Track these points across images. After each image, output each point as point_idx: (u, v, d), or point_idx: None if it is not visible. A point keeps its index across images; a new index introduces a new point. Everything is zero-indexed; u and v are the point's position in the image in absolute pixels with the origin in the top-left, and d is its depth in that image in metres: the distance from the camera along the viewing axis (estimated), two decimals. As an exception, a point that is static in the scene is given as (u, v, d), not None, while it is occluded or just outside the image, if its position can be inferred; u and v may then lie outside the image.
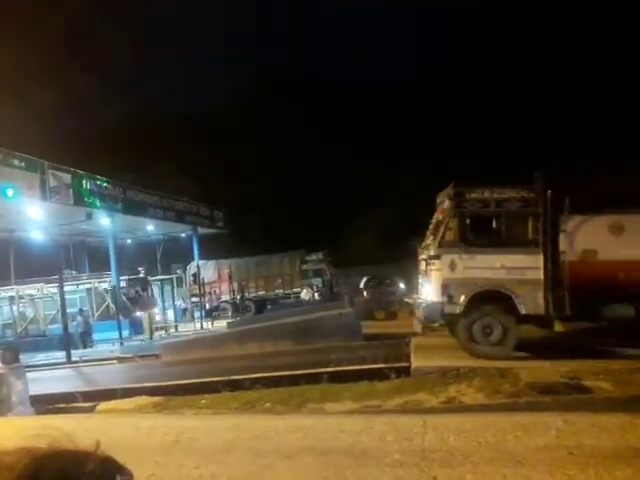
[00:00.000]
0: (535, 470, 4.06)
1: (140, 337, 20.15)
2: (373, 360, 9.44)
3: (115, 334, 19.03)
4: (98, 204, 21.13)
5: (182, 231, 29.35)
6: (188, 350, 12.94)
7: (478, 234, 10.43)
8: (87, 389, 10.14)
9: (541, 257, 10.07)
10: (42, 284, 21.54)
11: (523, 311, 10.08)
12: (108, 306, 21.87)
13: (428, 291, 11.08)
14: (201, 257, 28.74)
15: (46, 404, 9.24)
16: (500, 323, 10.20)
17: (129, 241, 29.95)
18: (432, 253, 10.89)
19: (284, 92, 43.02)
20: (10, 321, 20.16)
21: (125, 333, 19.86)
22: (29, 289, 21.88)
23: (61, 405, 9.48)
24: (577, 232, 10.00)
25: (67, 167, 19.40)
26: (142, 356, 13.82)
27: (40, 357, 16.76)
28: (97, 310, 22.10)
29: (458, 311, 10.30)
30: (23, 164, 17.13)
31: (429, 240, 11.33)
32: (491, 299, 10.25)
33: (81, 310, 19.47)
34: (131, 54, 45.69)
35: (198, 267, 27.11)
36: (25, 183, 17.04)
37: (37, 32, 39.73)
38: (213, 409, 8.03)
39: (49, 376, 12.09)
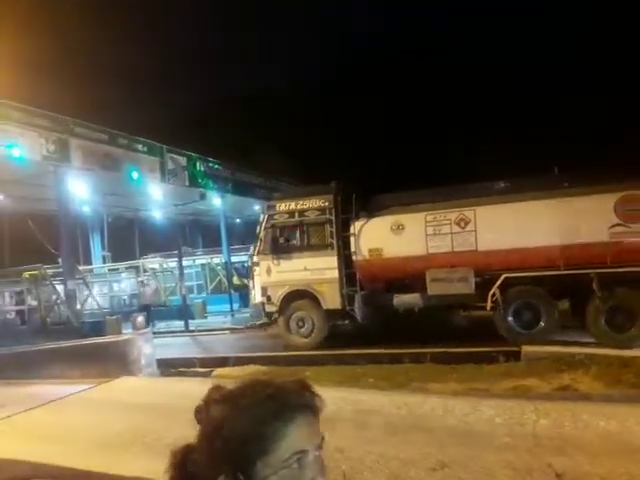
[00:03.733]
0: (665, 467, 3.74)
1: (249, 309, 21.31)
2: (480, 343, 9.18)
3: (227, 306, 20.32)
4: (211, 185, 22.47)
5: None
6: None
7: (286, 241, 11.74)
8: (203, 356, 10.99)
9: (336, 258, 11.21)
10: (162, 259, 23.49)
11: (325, 306, 11.20)
12: (220, 280, 23.33)
13: (254, 293, 12.88)
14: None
15: (169, 367, 10.18)
16: (310, 317, 11.38)
17: (238, 220, 31.55)
18: (254, 260, 12.75)
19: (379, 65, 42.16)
20: (136, 292, 22.23)
21: (235, 306, 21.13)
22: (152, 263, 23.97)
23: (181, 369, 10.39)
24: (364, 233, 10.95)
25: (183, 151, 20.80)
26: (250, 327, 14.61)
27: (161, 325, 18.38)
28: (211, 284, 23.66)
29: (274, 309, 11.70)
30: (145, 148, 18.67)
31: (253, 249, 13.28)
32: (302, 297, 11.46)
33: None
34: (217, 37, 47.37)
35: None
36: (147, 166, 18.62)
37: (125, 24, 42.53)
38: (317, 381, 8.30)
39: (170, 342, 13.25)
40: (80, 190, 17.34)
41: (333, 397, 6.23)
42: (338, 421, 5.31)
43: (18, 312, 18.02)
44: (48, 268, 18.07)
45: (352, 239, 11.04)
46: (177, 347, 12.79)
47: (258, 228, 12.23)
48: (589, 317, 9.10)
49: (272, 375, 6.19)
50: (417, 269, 10.29)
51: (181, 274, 17.67)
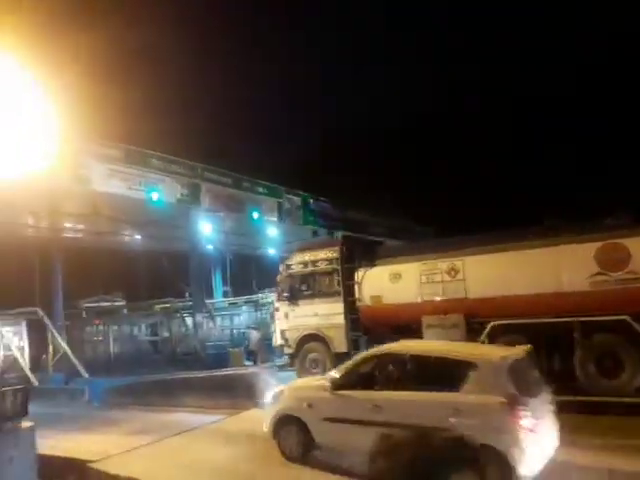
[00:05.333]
0: None
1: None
2: None
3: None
4: (321, 223, 23.25)
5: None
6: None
7: (300, 289, 12.61)
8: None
9: (342, 305, 11.93)
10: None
11: (333, 349, 11.84)
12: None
13: (275, 336, 13.71)
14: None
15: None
16: (322, 359, 12.00)
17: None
18: (275, 306, 13.68)
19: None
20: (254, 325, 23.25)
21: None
22: (268, 298, 25.01)
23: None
24: (365, 282, 11.63)
25: (298, 191, 21.86)
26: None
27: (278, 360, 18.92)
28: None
29: (291, 351, 12.52)
30: (266, 190, 19.92)
31: (273, 296, 14.56)
32: (315, 340, 12.13)
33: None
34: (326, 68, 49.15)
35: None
36: (266, 207, 19.81)
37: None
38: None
39: (290, 376, 13.59)
40: (207, 230, 18.83)
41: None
42: None
43: (152, 342, 19.71)
44: (178, 302, 19.64)
45: (356, 287, 11.77)
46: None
47: (278, 277, 13.31)
48: (577, 365, 9.12)
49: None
50: (413, 315, 10.78)
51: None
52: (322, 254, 12.53)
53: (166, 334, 19.17)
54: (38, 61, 14.41)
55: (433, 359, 6.26)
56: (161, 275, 21.57)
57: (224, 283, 25.14)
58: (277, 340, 13.44)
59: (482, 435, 5.24)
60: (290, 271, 12.87)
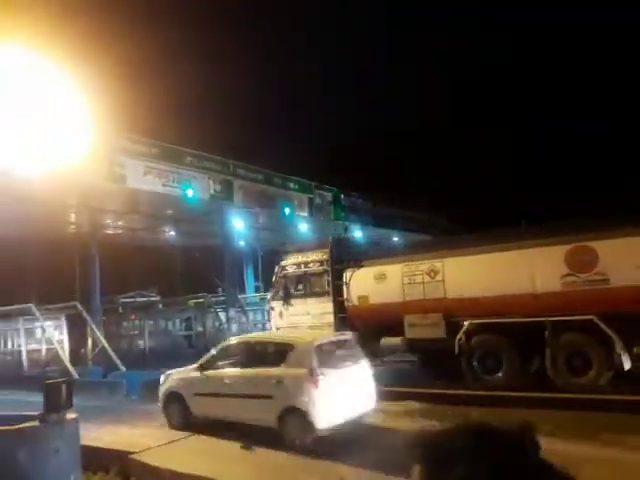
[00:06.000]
0: None
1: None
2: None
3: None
4: (353, 218, 23.13)
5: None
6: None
7: (294, 289, 13.13)
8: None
9: (331, 304, 12.40)
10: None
11: None
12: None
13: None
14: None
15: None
16: None
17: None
18: (270, 305, 14.18)
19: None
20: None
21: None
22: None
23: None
24: (353, 282, 12.15)
25: (329, 187, 21.79)
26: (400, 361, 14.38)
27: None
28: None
29: None
30: (297, 186, 19.92)
31: (269, 295, 15.03)
32: None
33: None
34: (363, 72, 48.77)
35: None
36: (297, 203, 19.82)
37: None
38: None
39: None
40: (239, 226, 18.96)
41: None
42: None
43: (186, 336, 19.99)
44: (211, 297, 19.85)
45: (344, 287, 12.24)
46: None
47: (274, 277, 13.86)
48: (548, 363, 9.45)
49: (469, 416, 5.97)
50: (397, 315, 11.25)
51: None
52: (314, 256, 13.02)
53: (200, 329, 19.39)
54: (75, 62, 14.77)
55: (267, 344, 8.38)
56: (195, 271, 21.85)
57: (256, 278, 25.30)
58: None
59: (292, 399, 6.96)
60: (285, 272, 13.40)
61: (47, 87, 13.11)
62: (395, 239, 28.52)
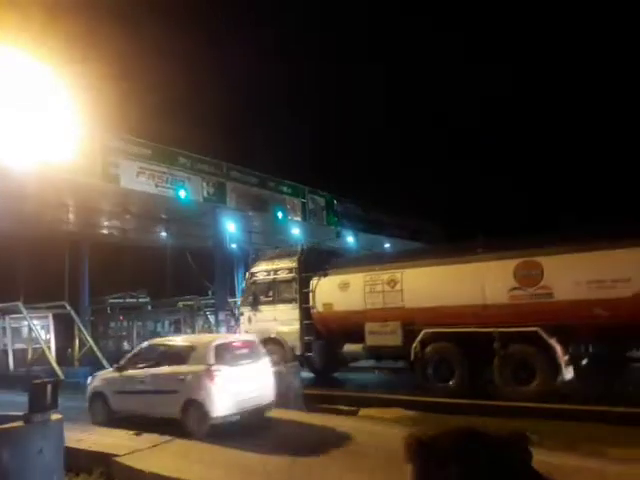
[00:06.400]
0: None
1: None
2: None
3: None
4: (345, 224, 23.16)
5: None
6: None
7: (263, 295, 13.54)
8: (348, 394, 11.09)
9: (298, 311, 12.82)
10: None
11: (290, 352, 12.63)
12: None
13: None
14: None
15: (314, 403, 10.38)
16: (279, 362, 12.31)
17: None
18: (240, 310, 14.60)
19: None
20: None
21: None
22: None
23: (325, 405, 10.53)
24: (319, 290, 12.60)
25: (321, 192, 21.81)
26: (394, 369, 14.38)
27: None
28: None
29: None
30: (290, 190, 19.93)
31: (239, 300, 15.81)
32: (274, 343, 12.78)
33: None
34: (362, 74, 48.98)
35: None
36: (290, 207, 19.82)
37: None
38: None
39: (311, 377, 13.57)
40: (231, 228, 18.91)
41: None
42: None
43: (174, 338, 19.79)
44: (201, 299, 19.75)
45: (310, 295, 12.63)
46: (307, 382, 13.04)
47: (244, 284, 14.13)
48: (495, 372, 9.82)
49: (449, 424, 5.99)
50: (359, 322, 11.65)
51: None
52: (283, 263, 13.43)
53: (188, 331, 19.27)
54: (68, 61, 14.71)
55: (174, 346, 9.16)
56: (185, 272, 21.74)
57: (247, 282, 25.20)
58: None
59: (193, 392, 7.86)
60: (255, 278, 13.80)
61: (40, 86, 13.06)
62: (386, 245, 28.74)
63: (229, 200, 17.48)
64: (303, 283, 12.86)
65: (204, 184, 16.87)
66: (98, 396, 9.23)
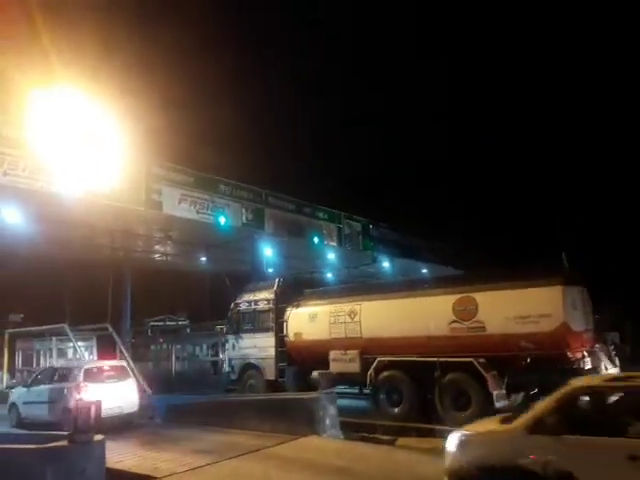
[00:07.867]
0: None
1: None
2: None
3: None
4: (381, 249, 23.12)
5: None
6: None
7: (244, 324, 14.57)
8: (386, 423, 10.92)
9: (274, 339, 13.80)
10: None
11: (265, 377, 13.84)
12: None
13: (224, 364, 16.22)
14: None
15: (352, 431, 10.25)
16: (257, 386, 13.96)
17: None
18: (225, 337, 15.91)
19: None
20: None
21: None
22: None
23: (364, 434, 10.38)
24: (291, 320, 13.55)
25: (358, 217, 21.91)
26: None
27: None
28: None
29: (234, 378, 14.67)
30: (326, 216, 20.11)
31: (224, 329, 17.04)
32: (253, 369, 14.15)
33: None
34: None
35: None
36: (327, 232, 19.97)
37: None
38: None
39: (347, 405, 13.42)
40: (268, 253, 19.18)
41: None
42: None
43: (213, 362, 20.04)
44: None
45: (285, 324, 13.56)
46: (351, 410, 12.88)
47: (229, 313, 15.15)
48: (436, 398, 10.58)
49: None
50: (324, 350, 12.59)
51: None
52: (262, 295, 14.41)
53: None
54: (115, 92, 15.47)
55: (62, 368, 12.48)
56: (224, 296, 22.04)
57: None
58: (226, 367, 15.76)
59: (67, 402, 10.46)
60: (238, 308, 14.79)
61: (90, 118, 13.75)
62: (424, 271, 28.38)
63: (267, 226, 17.80)
64: (279, 313, 13.81)
65: (243, 210, 17.25)
66: (14, 406, 12.46)
